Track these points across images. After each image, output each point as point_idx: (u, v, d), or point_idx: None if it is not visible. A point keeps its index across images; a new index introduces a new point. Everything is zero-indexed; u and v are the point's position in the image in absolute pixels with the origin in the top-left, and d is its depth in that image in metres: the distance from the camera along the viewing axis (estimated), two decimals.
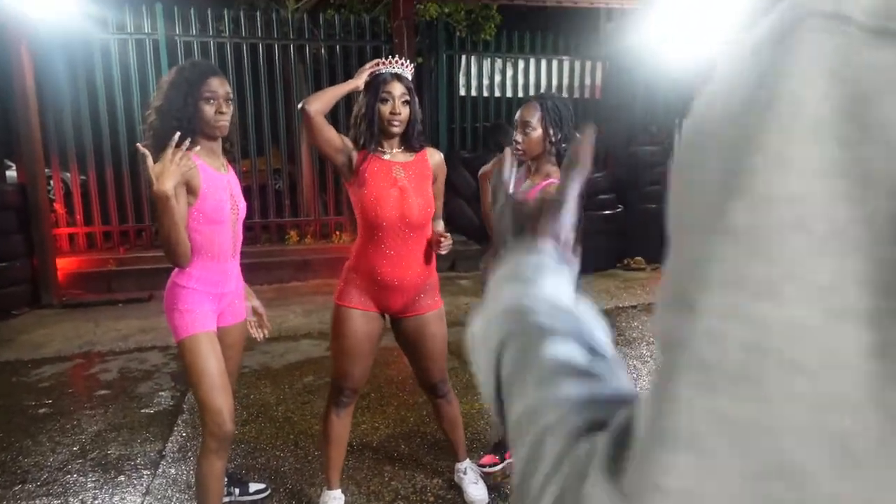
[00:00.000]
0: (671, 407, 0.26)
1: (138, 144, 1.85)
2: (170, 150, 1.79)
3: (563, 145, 2.26)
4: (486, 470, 2.63)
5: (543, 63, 7.71)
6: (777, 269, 0.24)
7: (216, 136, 2.00)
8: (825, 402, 0.23)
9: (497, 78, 7.56)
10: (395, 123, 2.11)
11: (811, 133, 0.24)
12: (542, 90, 7.73)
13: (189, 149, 1.85)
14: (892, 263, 0.23)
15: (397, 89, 2.11)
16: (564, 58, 7.75)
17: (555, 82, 7.79)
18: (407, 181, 2.15)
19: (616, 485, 0.29)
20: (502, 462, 2.66)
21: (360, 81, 2.15)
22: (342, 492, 2.38)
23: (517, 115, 2.34)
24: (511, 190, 0.61)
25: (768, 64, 0.26)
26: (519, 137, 2.30)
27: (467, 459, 2.54)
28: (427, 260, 2.22)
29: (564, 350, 0.41)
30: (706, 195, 0.27)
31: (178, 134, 1.82)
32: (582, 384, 0.39)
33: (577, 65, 7.72)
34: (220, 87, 1.97)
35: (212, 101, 1.95)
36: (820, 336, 0.23)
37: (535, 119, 2.27)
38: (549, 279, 0.49)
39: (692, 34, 5.73)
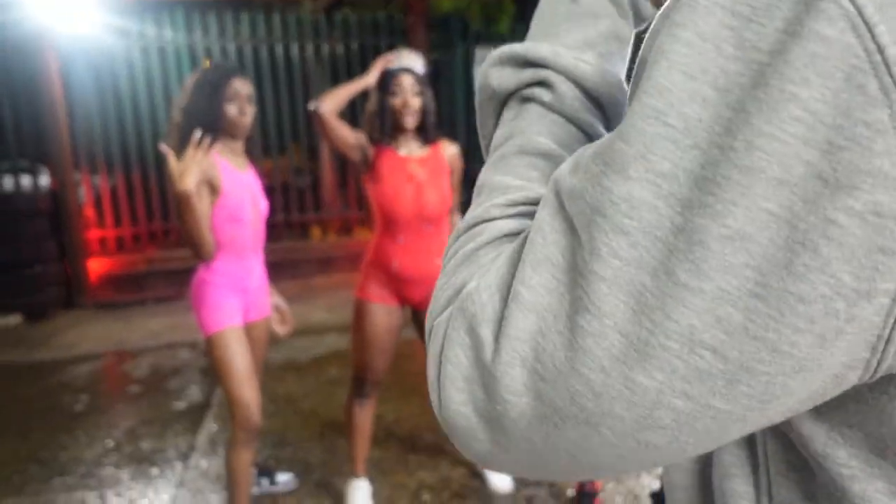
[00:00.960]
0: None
1: (161, 144, 1.91)
2: (190, 149, 1.85)
3: None
4: None
5: None
6: (632, 150, 0.29)
7: (239, 135, 2.06)
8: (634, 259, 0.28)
9: None
10: (408, 117, 2.14)
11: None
12: None
13: (209, 147, 1.91)
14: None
15: (407, 82, 2.13)
16: None
17: None
18: (423, 176, 2.18)
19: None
20: None
21: (370, 78, 2.18)
22: (368, 482, 2.43)
23: None
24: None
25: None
26: None
27: None
28: (441, 248, 2.25)
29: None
30: None
31: (198, 132, 1.87)
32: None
33: None
34: (242, 87, 2.03)
35: (235, 102, 2.01)
36: (644, 210, 0.28)
37: None
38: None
39: None
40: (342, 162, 7.01)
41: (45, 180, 5.95)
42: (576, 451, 0.31)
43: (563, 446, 0.31)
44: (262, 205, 2.19)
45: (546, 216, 0.33)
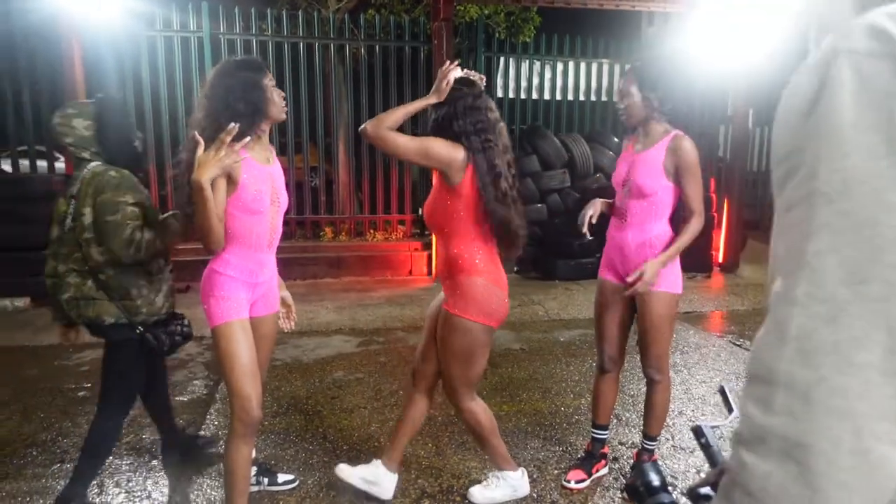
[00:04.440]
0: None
1: (195, 133, 1.88)
2: (217, 144, 1.84)
3: (668, 105, 2.32)
4: (573, 486, 2.55)
5: (583, 66, 7.63)
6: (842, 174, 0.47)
7: (268, 128, 2.11)
8: None
9: (535, 80, 7.52)
10: None
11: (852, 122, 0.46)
12: (581, 93, 7.66)
13: (241, 142, 1.91)
14: None
15: None
16: (604, 61, 7.66)
17: (594, 85, 7.71)
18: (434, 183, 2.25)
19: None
20: (590, 478, 2.59)
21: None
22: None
23: (619, 84, 2.41)
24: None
25: (819, 78, 0.49)
26: (622, 104, 2.36)
27: (496, 470, 2.47)
28: (448, 263, 2.22)
29: None
30: (801, 178, 0.50)
31: (233, 125, 1.85)
32: None
33: (617, 68, 7.63)
34: (272, 80, 2.10)
35: (276, 95, 2.09)
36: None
37: (632, 87, 2.32)
38: None
39: (733, 39, 5.63)
40: (357, 164, 7.00)
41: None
42: None
43: None
44: (283, 199, 2.17)
45: None
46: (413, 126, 5.67)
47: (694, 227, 2.32)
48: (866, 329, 0.44)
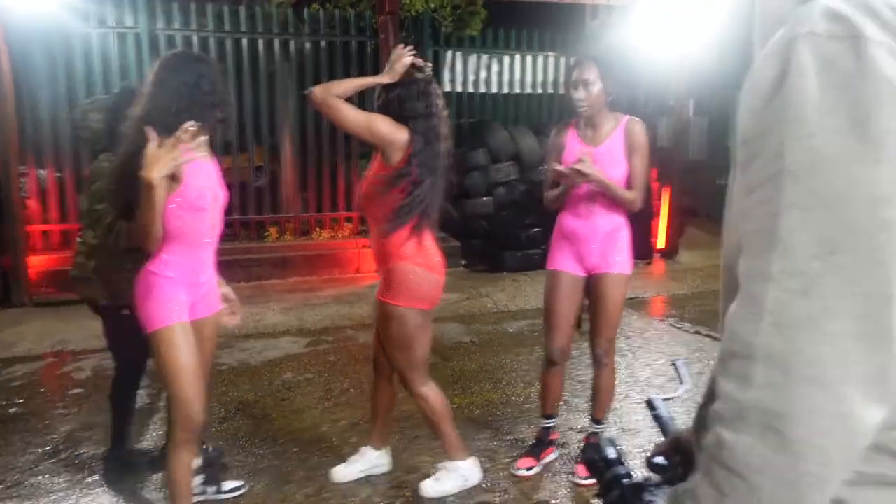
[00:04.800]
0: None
1: (147, 128, 1.79)
2: (172, 141, 1.77)
3: (612, 96, 2.36)
4: (523, 473, 2.57)
5: (529, 59, 7.69)
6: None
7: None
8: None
9: (482, 74, 7.54)
10: None
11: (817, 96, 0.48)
12: (528, 86, 7.72)
13: (198, 139, 1.85)
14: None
15: None
16: (550, 54, 7.73)
17: (540, 78, 7.78)
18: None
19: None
20: (539, 463, 2.62)
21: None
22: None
23: (574, 74, 2.34)
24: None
25: (781, 62, 0.50)
26: (581, 94, 2.31)
27: (445, 462, 2.48)
28: (381, 252, 2.27)
29: None
30: (766, 159, 0.50)
31: (191, 123, 1.79)
32: None
33: (563, 61, 7.71)
34: None
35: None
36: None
37: (593, 74, 2.29)
38: None
39: (674, 31, 5.77)
40: (303, 162, 6.87)
41: None
42: None
43: None
44: (222, 195, 2.11)
45: None
46: (360, 105, 5.63)
47: (631, 195, 2.36)
48: (837, 299, 0.46)
